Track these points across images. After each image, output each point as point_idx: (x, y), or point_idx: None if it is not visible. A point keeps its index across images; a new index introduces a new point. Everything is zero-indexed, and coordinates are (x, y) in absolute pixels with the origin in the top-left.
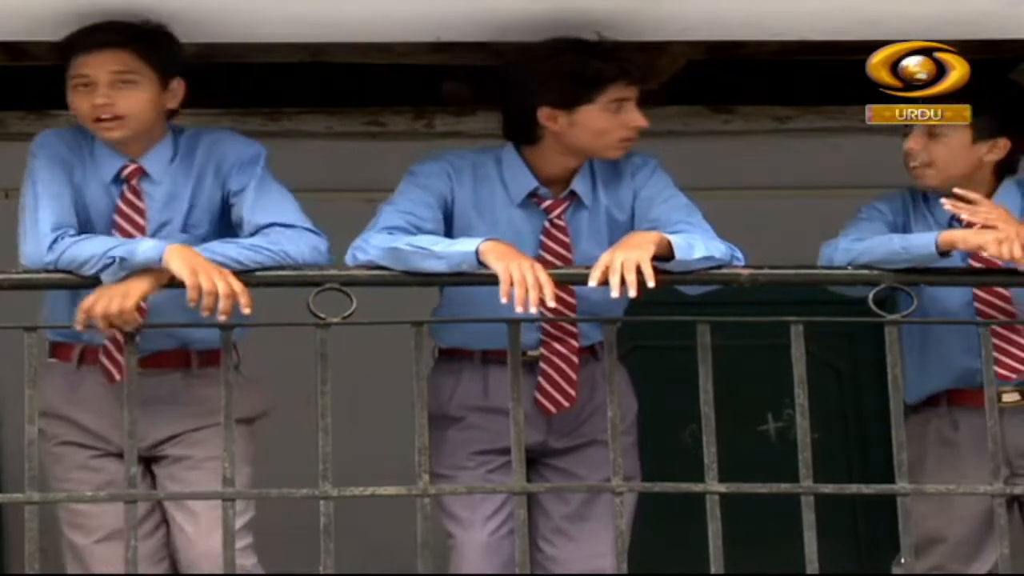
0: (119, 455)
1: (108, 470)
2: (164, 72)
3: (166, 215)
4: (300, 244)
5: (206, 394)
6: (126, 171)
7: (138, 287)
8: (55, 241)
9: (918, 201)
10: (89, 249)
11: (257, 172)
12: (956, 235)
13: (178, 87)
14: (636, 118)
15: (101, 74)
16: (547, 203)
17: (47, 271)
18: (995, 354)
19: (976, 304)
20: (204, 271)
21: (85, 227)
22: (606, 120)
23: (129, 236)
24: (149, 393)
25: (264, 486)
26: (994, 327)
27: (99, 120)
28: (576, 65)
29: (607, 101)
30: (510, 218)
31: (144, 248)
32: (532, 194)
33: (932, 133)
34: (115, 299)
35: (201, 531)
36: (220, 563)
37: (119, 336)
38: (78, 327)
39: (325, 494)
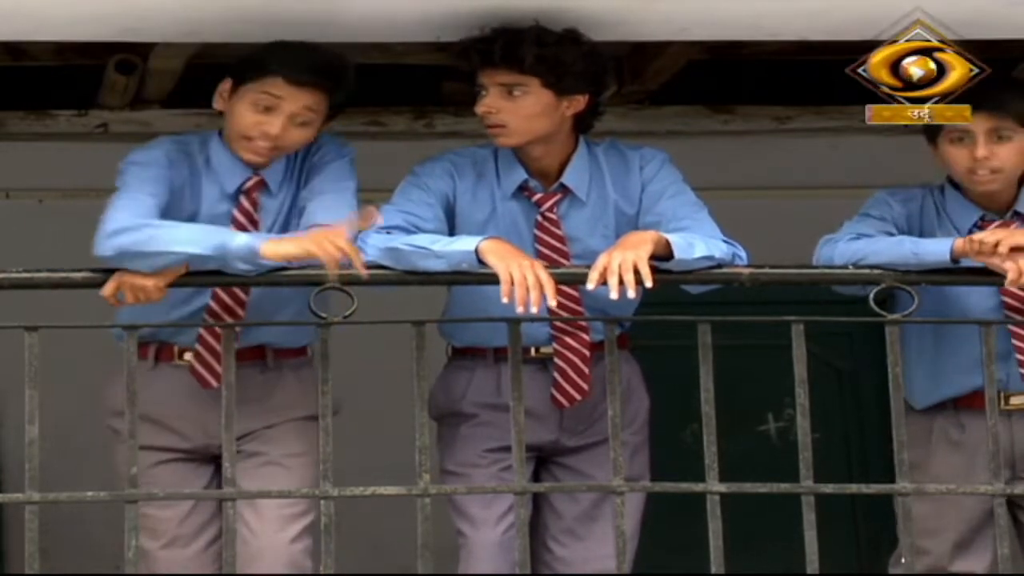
0: (192, 455)
1: (173, 477)
2: (331, 114)
3: (275, 224)
4: None
5: (282, 390)
6: (248, 184)
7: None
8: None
9: (940, 203)
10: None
11: (325, 173)
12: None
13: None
14: (481, 106)
15: (290, 106)
16: (537, 196)
17: (49, 271)
18: (1021, 357)
19: (1005, 300)
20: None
21: None
22: (478, 106)
23: None
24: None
25: None
26: (1017, 329)
27: (247, 139)
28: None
29: (478, 86)
30: (508, 211)
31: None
32: (523, 187)
33: (999, 136)
34: (144, 274)
35: (266, 527)
36: (281, 558)
37: (211, 341)
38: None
39: (325, 494)
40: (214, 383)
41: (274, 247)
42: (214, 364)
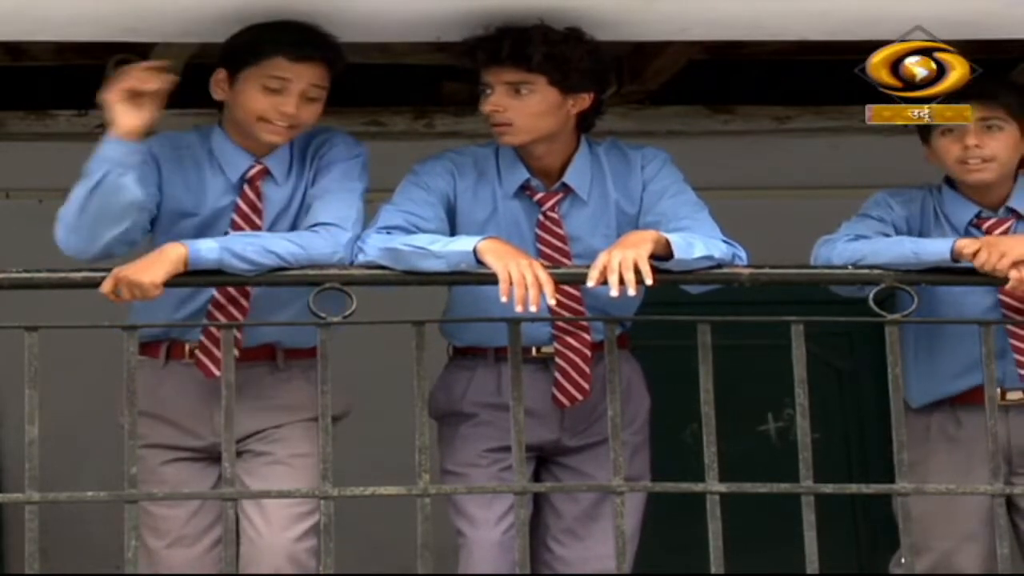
0: (200, 454)
1: (180, 476)
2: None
3: (281, 217)
4: (325, 246)
5: (291, 391)
6: (251, 172)
7: (165, 265)
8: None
9: (937, 203)
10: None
11: (334, 171)
12: (971, 247)
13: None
14: (487, 104)
15: (298, 84)
16: (539, 195)
17: (49, 271)
18: (1019, 353)
19: (1002, 299)
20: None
21: (203, 224)
22: (484, 104)
23: None
24: (236, 386)
25: None
26: (1014, 328)
27: (265, 121)
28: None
29: (482, 85)
30: (509, 210)
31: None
32: (524, 186)
33: (988, 127)
34: (141, 271)
35: (271, 526)
36: (285, 557)
37: (216, 332)
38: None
39: (325, 494)
40: (216, 372)
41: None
42: (218, 354)
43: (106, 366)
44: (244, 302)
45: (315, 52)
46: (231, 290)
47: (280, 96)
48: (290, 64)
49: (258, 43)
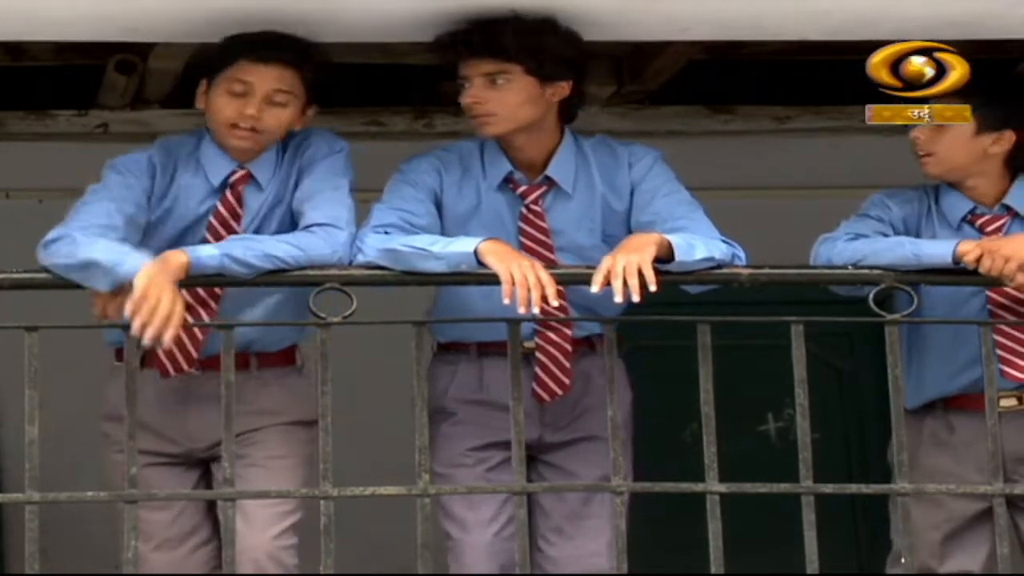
0: (176, 459)
1: (159, 480)
2: (310, 98)
3: (266, 221)
4: (324, 246)
5: (268, 396)
6: (234, 176)
7: (170, 275)
8: (57, 239)
9: (933, 202)
10: (82, 252)
11: (318, 170)
12: (973, 254)
13: (311, 115)
14: (466, 97)
15: (262, 86)
16: (522, 188)
17: (48, 271)
18: (1004, 354)
19: (989, 306)
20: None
21: (184, 230)
22: (463, 97)
23: (220, 240)
24: (209, 393)
25: None
26: (1003, 327)
27: (235, 127)
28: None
29: (461, 78)
30: (492, 204)
31: (129, 266)
32: (508, 179)
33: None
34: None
35: (252, 527)
36: (262, 557)
37: (182, 333)
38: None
39: (325, 494)
40: (172, 372)
41: (143, 275)
42: (177, 356)
43: (106, 366)
44: (214, 304)
45: (278, 54)
46: (201, 292)
47: (244, 99)
48: (252, 66)
49: (226, 48)
